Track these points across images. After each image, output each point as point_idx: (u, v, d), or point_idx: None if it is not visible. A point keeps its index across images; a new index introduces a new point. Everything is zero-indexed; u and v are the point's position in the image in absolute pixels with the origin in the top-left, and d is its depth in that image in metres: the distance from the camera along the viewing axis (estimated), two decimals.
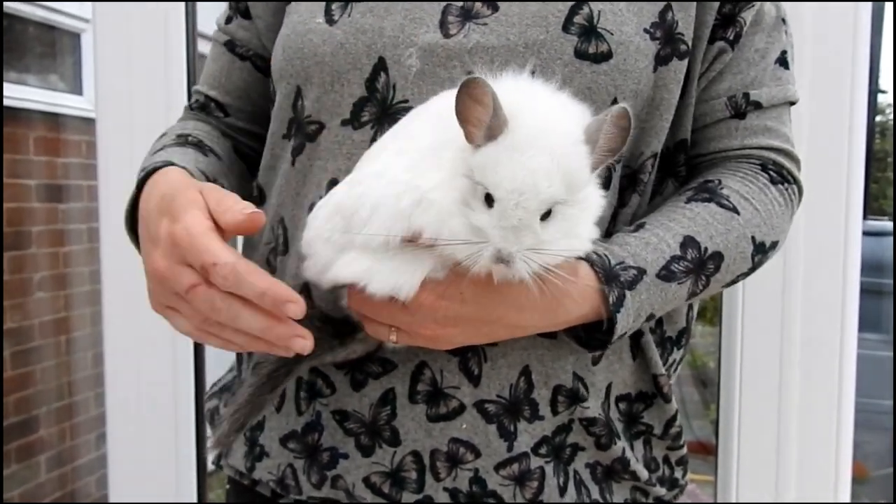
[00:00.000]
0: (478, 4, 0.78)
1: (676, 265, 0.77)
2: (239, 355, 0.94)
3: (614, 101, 0.77)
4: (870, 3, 1.41)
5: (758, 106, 0.85)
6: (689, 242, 0.78)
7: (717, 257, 0.79)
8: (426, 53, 0.77)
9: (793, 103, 0.89)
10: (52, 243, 2.93)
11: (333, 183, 0.79)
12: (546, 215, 0.64)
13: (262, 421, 0.87)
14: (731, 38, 0.84)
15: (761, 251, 0.83)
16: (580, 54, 0.76)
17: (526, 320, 0.73)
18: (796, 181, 0.88)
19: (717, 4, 0.82)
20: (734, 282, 0.83)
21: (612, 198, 0.81)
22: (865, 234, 1.46)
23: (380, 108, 0.79)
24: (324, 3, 0.83)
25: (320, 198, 0.79)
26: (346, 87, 0.80)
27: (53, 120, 2.94)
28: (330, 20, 0.81)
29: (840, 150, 1.42)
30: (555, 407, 0.82)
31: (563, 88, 0.73)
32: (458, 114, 0.64)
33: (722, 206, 0.81)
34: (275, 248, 0.87)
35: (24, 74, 2.86)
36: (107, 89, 1.59)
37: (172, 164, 0.80)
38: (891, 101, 3.25)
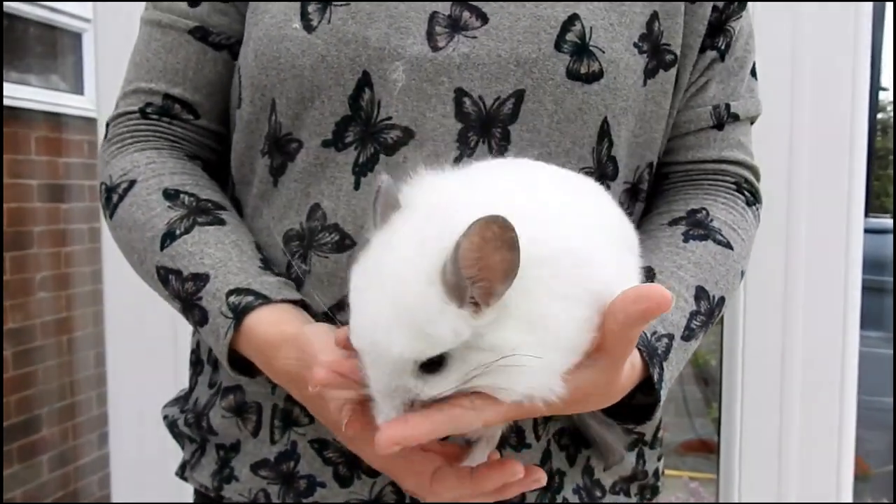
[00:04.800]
0: (465, 14, 0.73)
1: (695, 321, 0.73)
2: (195, 366, 0.89)
3: (604, 121, 0.74)
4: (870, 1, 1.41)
5: (735, 118, 0.84)
6: (701, 294, 0.75)
7: (722, 302, 0.77)
8: (413, 68, 0.72)
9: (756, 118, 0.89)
10: (54, 243, 2.94)
11: (316, 209, 0.75)
12: (435, 365, 0.52)
13: (238, 444, 0.82)
14: (723, 47, 0.82)
15: (741, 280, 0.82)
16: (572, 74, 0.73)
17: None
18: (760, 200, 0.87)
19: (706, 12, 0.80)
20: None
21: None
22: (867, 231, 1.46)
23: (364, 128, 0.73)
24: (299, 4, 0.75)
25: (300, 224, 0.75)
26: (328, 105, 0.74)
27: (55, 120, 2.95)
28: (308, 26, 0.74)
29: (841, 147, 1.41)
30: (537, 430, 0.79)
31: (555, 109, 0.72)
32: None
33: (718, 242, 0.79)
34: None
35: (25, 74, 2.87)
36: (108, 89, 1.59)
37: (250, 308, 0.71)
38: (891, 98, 3.25)
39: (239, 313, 0.71)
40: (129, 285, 1.63)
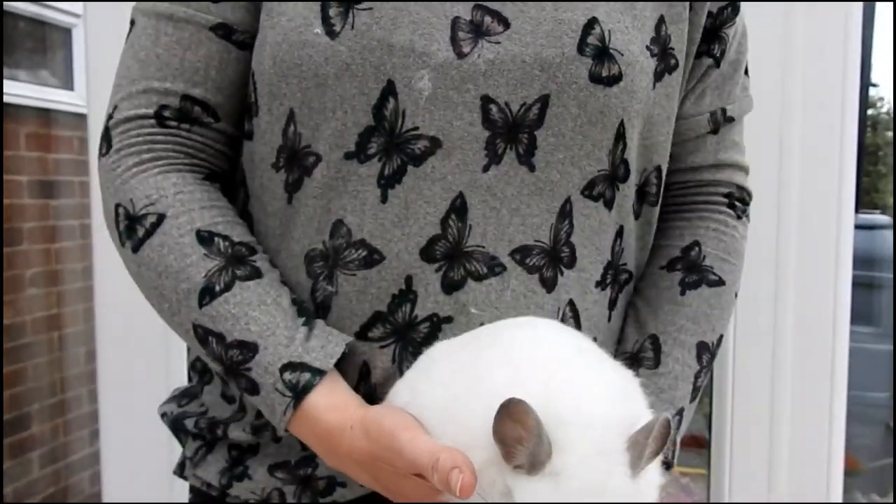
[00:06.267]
0: (487, 19, 0.72)
1: (700, 379, 0.81)
2: (202, 374, 0.88)
3: (621, 124, 0.75)
4: None
5: (730, 120, 0.86)
6: (702, 350, 0.82)
7: (720, 339, 0.84)
8: (439, 75, 0.70)
9: None
10: (44, 240, 2.93)
11: (340, 225, 0.73)
12: None
13: (257, 446, 0.81)
14: (718, 54, 0.83)
15: (735, 299, 0.88)
16: (594, 78, 0.72)
17: None
18: (749, 202, 0.91)
19: (701, 19, 0.81)
20: None
21: (617, 218, 0.79)
22: (857, 227, 1.47)
23: (388, 139, 0.71)
24: (318, 5, 0.72)
25: (323, 244, 0.74)
26: (351, 115, 0.71)
27: (45, 115, 2.93)
28: (330, 31, 0.71)
29: (832, 144, 1.42)
30: None
31: (578, 113, 0.72)
32: (496, 433, 0.56)
33: (710, 284, 0.84)
34: None
35: (15, 70, 2.85)
36: (98, 84, 1.58)
37: (308, 389, 0.71)
38: (881, 94, 3.27)
39: (299, 392, 0.71)
40: (119, 282, 1.63)
